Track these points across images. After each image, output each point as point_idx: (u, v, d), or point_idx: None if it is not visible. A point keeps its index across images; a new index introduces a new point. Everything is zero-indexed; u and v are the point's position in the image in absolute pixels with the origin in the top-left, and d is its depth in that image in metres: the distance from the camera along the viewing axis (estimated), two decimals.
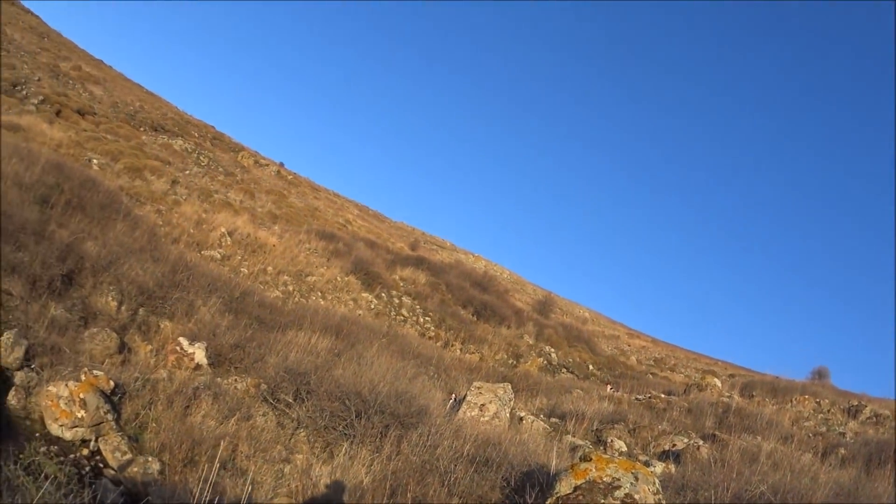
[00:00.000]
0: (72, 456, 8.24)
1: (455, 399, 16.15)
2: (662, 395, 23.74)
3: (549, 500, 7.90)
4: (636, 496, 7.68)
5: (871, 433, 21.20)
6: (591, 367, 39.26)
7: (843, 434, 20.68)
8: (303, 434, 10.91)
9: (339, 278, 31.19)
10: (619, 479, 7.87)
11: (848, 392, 32.99)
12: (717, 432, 17.48)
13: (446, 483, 9.50)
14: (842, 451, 16.62)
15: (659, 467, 13.62)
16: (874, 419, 24.03)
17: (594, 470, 8.03)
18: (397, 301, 33.14)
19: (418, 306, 33.85)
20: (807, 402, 26.11)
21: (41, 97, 38.66)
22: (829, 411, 25.20)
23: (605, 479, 7.88)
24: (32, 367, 9.47)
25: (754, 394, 27.95)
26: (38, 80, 42.06)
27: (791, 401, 26.44)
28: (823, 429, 21.64)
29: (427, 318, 33.10)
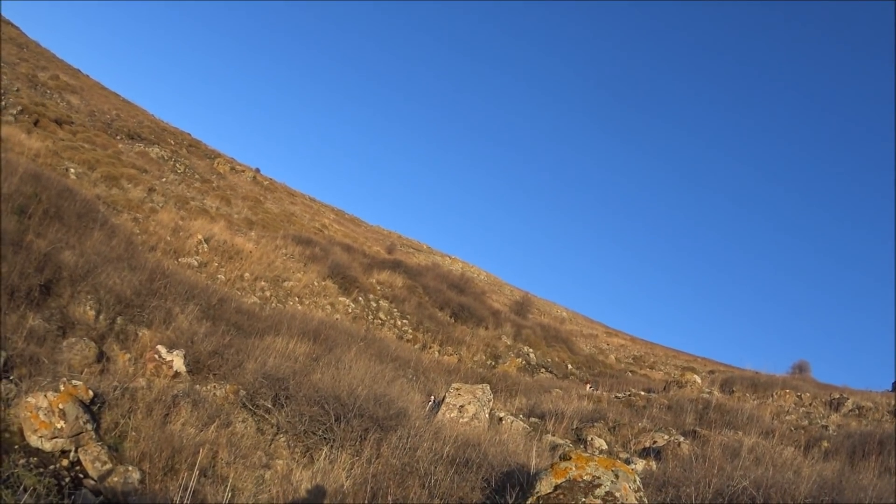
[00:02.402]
0: (51, 467, 8.15)
1: (434, 401, 16.10)
2: (642, 393, 23.78)
3: (529, 500, 7.87)
4: (617, 494, 7.65)
5: (854, 425, 21.26)
6: (569, 366, 39.32)
7: (826, 427, 20.73)
8: (283, 439, 10.85)
9: (316, 283, 31.09)
10: (599, 478, 7.84)
11: (829, 385, 33.20)
12: (697, 428, 17.50)
13: (427, 485, 9.45)
14: (825, 444, 16.63)
15: (640, 465, 13.60)
16: (856, 411, 24.12)
17: (574, 469, 8.00)
18: (374, 304, 33.09)
19: (395, 309, 33.80)
20: (788, 396, 26.19)
21: (20, 107, 38.42)
22: (810, 405, 25.26)
23: (585, 478, 7.85)
24: (11, 378, 9.37)
25: (735, 389, 28.02)
26: (17, 90, 41.80)
27: (772, 395, 26.53)
28: (805, 422, 21.67)
29: (405, 321, 33.06)
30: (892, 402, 24.52)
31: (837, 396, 26.00)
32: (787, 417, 22.40)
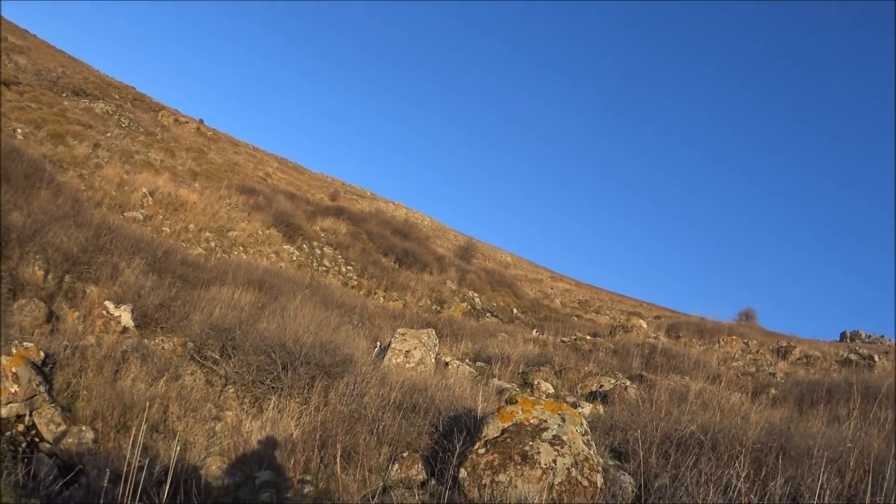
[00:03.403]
0: (7, 434, 8.05)
1: (380, 347, 16.01)
2: (588, 337, 23.67)
3: (477, 444, 7.88)
4: (564, 437, 7.69)
5: (802, 373, 21.31)
6: (515, 310, 39.34)
7: (774, 374, 20.71)
8: (231, 390, 10.78)
9: (260, 232, 30.82)
10: (546, 421, 7.87)
11: (776, 333, 33.03)
12: (644, 373, 17.49)
13: (375, 431, 9.45)
14: (773, 391, 16.69)
15: (587, 408, 13.64)
16: (804, 360, 24.22)
17: (521, 412, 8.03)
18: (319, 252, 32.88)
19: (340, 256, 33.62)
20: (735, 342, 26.20)
21: None
22: (757, 352, 25.29)
23: (532, 422, 7.88)
24: None
25: (681, 335, 28.03)
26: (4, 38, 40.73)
27: (719, 342, 26.46)
28: (753, 369, 21.60)
29: (349, 268, 32.91)
30: (840, 352, 24.71)
31: (785, 344, 26.06)
32: (735, 364, 22.34)
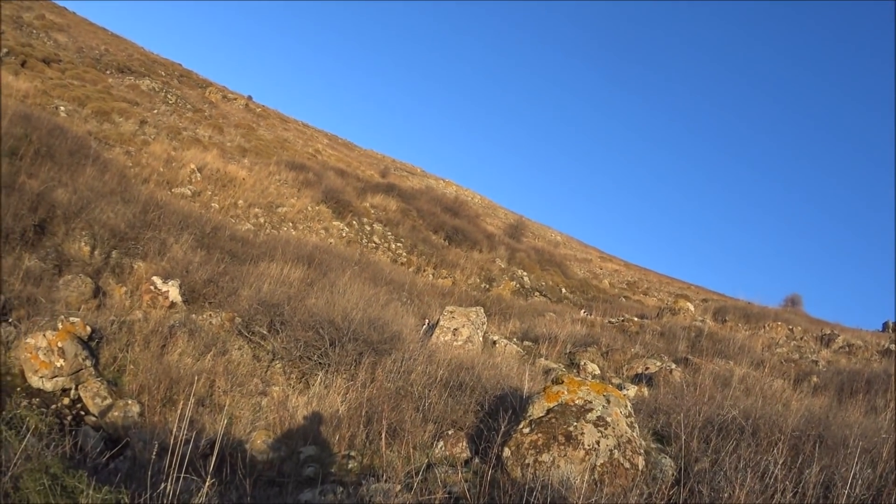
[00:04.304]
0: (53, 406, 8.18)
1: (428, 324, 16.05)
2: (635, 319, 23.63)
3: (521, 423, 7.87)
4: (608, 419, 7.65)
5: (844, 362, 21.15)
6: (563, 290, 39.20)
7: (816, 362, 20.58)
8: (278, 366, 10.88)
9: (309, 208, 30.97)
10: (591, 402, 7.84)
11: (821, 320, 32.78)
12: (689, 356, 17.46)
13: (421, 408, 9.48)
14: (814, 378, 16.59)
15: (632, 390, 13.61)
16: (847, 349, 24.00)
17: (566, 393, 8.00)
18: (368, 228, 32.98)
19: (389, 233, 33.68)
20: (780, 328, 26.10)
21: (6, 50, 37.87)
22: (801, 339, 25.16)
23: (577, 402, 7.85)
24: (10, 320, 9.36)
25: (727, 319, 27.84)
26: (2, 32, 41.20)
27: (764, 327, 26.39)
28: (796, 356, 21.51)
29: (398, 245, 32.97)
30: (882, 342, 24.43)
31: (828, 332, 25.84)
32: (778, 350, 22.27)
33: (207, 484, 5.68)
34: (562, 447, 7.44)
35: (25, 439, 5.87)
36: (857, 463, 7.10)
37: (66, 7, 64.56)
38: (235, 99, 61.49)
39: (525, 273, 37.39)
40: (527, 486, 6.87)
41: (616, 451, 7.48)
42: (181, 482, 5.62)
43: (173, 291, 12.11)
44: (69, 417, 8.09)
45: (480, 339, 15.19)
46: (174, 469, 5.58)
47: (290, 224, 28.05)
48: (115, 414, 8.29)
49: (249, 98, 66.52)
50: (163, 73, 54.65)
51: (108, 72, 46.04)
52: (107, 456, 7.28)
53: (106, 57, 50.07)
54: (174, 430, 6.45)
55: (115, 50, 54.78)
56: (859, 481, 7.01)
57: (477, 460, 8.30)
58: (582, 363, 16.27)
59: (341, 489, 7.47)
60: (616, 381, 15.26)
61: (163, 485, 5.52)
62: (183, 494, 5.71)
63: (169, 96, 46.65)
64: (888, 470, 7.54)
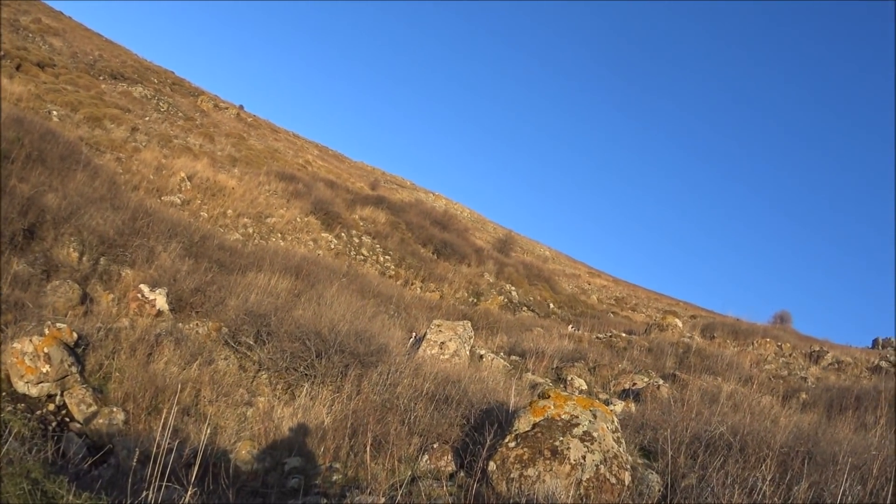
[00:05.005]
0: (38, 412, 8.17)
1: (415, 337, 16.04)
2: (623, 335, 23.61)
3: (507, 438, 7.89)
4: (594, 434, 7.67)
5: (833, 379, 21.16)
6: (552, 305, 39.21)
7: (805, 379, 20.65)
8: (264, 376, 10.88)
9: (298, 219, 30.95)
10: (577, 417, 7.86)
11: (810, 337, 32.73)
12: (677, 372, 17.47)
13: (406, 421, 9.49)
14: (803, 395, 16.62)
15: (619, 406, 13.62)
16: (836, 365, 24.01)
17: (553, 407, 8.02)
18: (357, 241, 32.97)
19: (378, 245, 33.66)
20: (768, 345, 26.05)
21: (1, 53, 37.90)
22: (790, 355, 25.15)
23: (563, 417, 7.87)
24: None
25: (715, 335, 27.80)
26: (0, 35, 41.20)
27: (752, 343, 26.31)
28: (785, 372, 21.58)
29: (387, 257, 32.94)
30: (871, 359, 24.47)
31: (818, 349, 25.84)
32: (767, 366, 22.31)
33: (189, 493, 5.68)
34: (547, 462, 7.45)
35: (7, 443, 5.87)
36: (846, 480, 7.13)
37: (62, 11, 64.61)
38: (227, 108, 61.52)
39: (513, 288, 37.38)
40: (512, 501, 6.90)
41: (602, 466, 7.50)
42: (163, 491, 5.63)
43: (160, 300, 12.10)
44: (54, 423, 8.07)
45: (467, 353, 15.19)
46: (156, 477, 5.58)
47: (279, 235, 28.02)
48: (100, 421, 8.28)
49: (241, 107, 66.57)
50: (155, 80, 54.61)
51: (101, 78, 46.02)
52: (90, 462, 7.28)
53: (100, 63, 50.05)
54: (157, 438, 6.46)
55: (109, 56, 54.77)
56: (849, 497, 7.04)
57: (462, 474, 8.31)
58: (569, 378, 16.27)
59: (325, 501, 7.48)
60: (603, 396, 15.30)
61: (144, 493, 5.52)
62: (164, 501, 5.72)
63: (161, 104, 46.63)
64: (878, 487, 7.56)
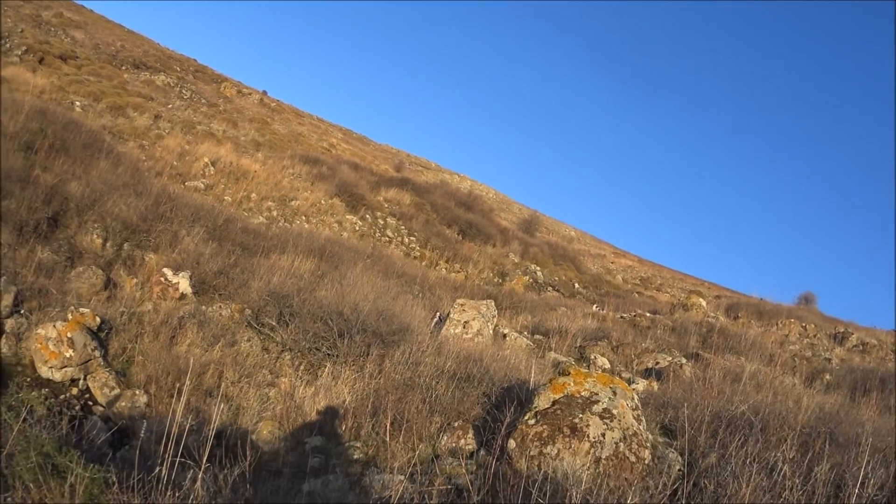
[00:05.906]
0: (62, 396, 8.24)
1: (439, 317, 15.99)
2: (647, 314, 23.45)
3: (527, 415, 7.84)
4: (614, 411, 7.61)
5: (857, 361, 21.00)
6: (576, 285, 39.07)
7: (829, 360, 20.49)
8: (287, 357, 10.90)
9: (323, 201, 30.98)
10: (597, 394, 7.79)
11: (834, 319, 32.37)
12: (700, 351, 17.34)
13: (428, 400, 9.45)
14: (827, 376, 16.50)
15: (641, 384, 13.52)
16: (860, 347, 23.81)
17: (572, 384, 7.96)
18: (382, 222, 32.96)
19: (403, 227, 33.63)
20: (793, 325, 25.85)
21: (24, 47, 38.12)
22: (814, 336, 24.94)
23: (583, 394, 7.81)
24: (21, 312, 9.41)
25: (739, 315, 27.61)
26: (21, 31, 41.37)
27: (777, 324, 26.09)
28: (809, 353, 21.37)
29: (412, 238, 32.92)
30: None
31: (842, 330, 25.62)
32: (791, 347, 22.06)
33: (203, 468, 5.72)
34: (567, 439, 7.41)
35: (24, 421, 5.93)
36: (868, 462, 7.04)
37: (83, 5, 64.84)
38: (250, 94, 61.56)
39: (538, 268, 37.26)
40: (531, 479, 6.86)
41: (622, 443, 7.44)
42: (176, 467, 5.67)
43: (184, 283, 12.14)
44: (77, 407, 8.14)
45: (491, 332, 15.13)
46: (170, 453, 5.62)
47: (303, 217, 28.07)
48: (123, 404, 8.34)
49: (264, 93, 66.59)
50: (178, 68, 54.76)
51: (123, 67, 46.18)
52: (113, 445, 7.33)
53: (122, 53, 50.24)
54: (177, 417, 6.49)
55: (131, 46, 54.96)
56: (871, 481, 6.96)
57: (482, 452, 8.28)
58: (592, 357, 16.19)
59: (345, 479, 7.49)
60: (626, 374, 15.20)
61: (157, 468, 5.56)
62: (179, 479, 5.76)
63: (184, 91, 46.76)
64: None
